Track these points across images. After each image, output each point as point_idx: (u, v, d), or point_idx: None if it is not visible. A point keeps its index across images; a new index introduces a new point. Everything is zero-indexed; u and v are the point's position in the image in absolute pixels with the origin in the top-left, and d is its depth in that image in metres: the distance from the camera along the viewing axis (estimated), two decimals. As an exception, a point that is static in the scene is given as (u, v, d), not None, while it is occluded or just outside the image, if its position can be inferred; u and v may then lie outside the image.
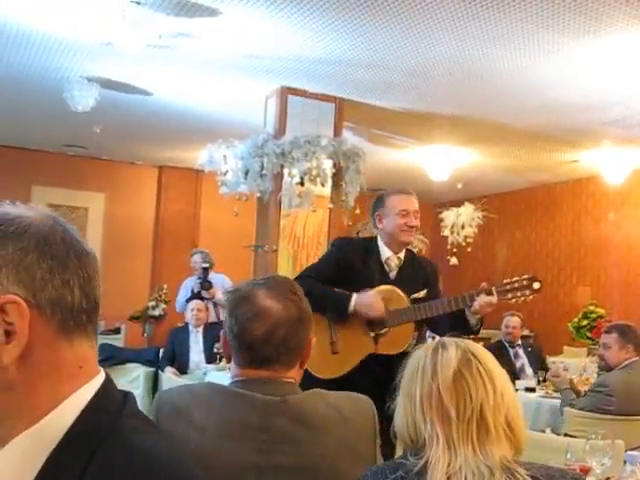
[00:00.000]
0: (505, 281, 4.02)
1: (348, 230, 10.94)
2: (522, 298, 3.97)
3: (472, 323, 4.01)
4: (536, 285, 4.00)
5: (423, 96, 8.09)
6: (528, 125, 9.09)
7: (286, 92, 7.88)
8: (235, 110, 8.93)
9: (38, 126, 10.60)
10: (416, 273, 4.20)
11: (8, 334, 0.94)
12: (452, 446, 1.79)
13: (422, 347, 1.95)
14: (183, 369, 7.49)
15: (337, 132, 8.05)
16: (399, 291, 4.02)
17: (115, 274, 12.39)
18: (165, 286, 11.39)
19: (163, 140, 11.08)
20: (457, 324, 4.01)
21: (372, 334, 4.01)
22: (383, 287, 4.01)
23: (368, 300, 3.93)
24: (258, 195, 7.70)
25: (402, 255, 4.18)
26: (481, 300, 3.90)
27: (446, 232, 11.53)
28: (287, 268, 7.96)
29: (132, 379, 7.72)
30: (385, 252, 4.13)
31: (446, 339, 1.94)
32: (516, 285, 4.00)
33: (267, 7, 5.95)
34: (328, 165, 7.66)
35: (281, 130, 7.78)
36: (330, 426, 2.00)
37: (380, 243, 4.14)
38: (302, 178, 7.50)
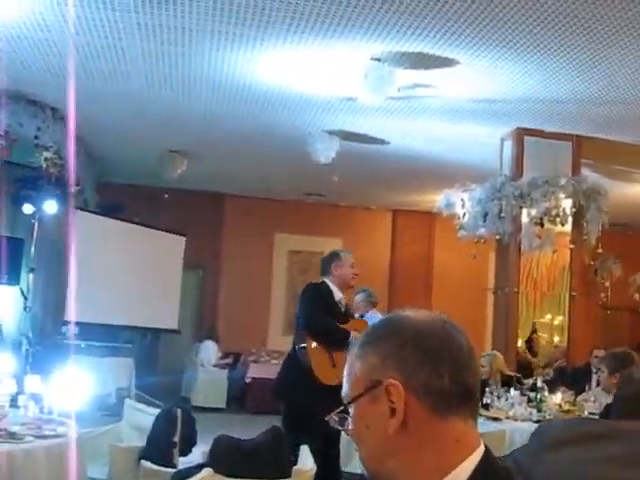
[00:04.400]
0: None
1: (588, 268, 10.63)
2: None
3: None
4: None
5: (665, 128, 7.80)
6: None
7: (522, 133, 7.89)
8: (469, 153, 9.04)
9: (281, 177, 11.29)
10: None
11: (392, 410, 1.20)
12: None
13: None
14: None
15: (575, 170, 7.93)
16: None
17: (353, 316, 12.78)
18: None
19: (397, 185, 11.39)
20: None
21: None
22: (355, 321, 5.58)
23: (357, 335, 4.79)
24: (497, 237, 7.73)
25: None
26: None
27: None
28: (526, 309, 7.92)
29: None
30: (337, 293, 5.44)
31: None
32: None
33: (504, 52, 6.04)
34: (568, 204, 7.55)
35: (518, 172, 7.78)
36: None
37: (331, 286, 5.39)
38: (541, 219, 7.45)
